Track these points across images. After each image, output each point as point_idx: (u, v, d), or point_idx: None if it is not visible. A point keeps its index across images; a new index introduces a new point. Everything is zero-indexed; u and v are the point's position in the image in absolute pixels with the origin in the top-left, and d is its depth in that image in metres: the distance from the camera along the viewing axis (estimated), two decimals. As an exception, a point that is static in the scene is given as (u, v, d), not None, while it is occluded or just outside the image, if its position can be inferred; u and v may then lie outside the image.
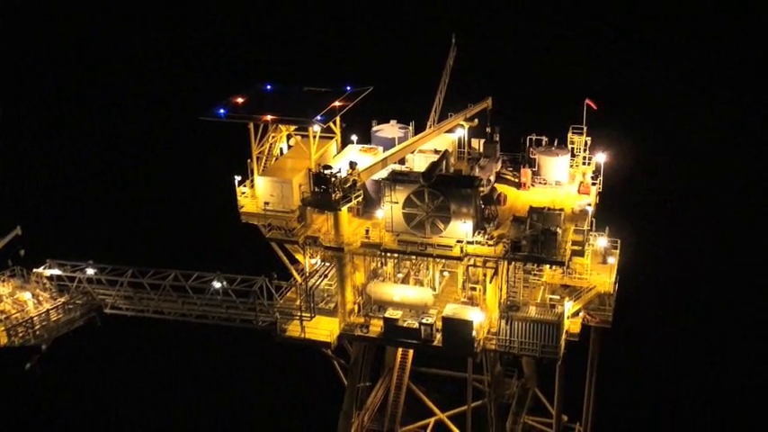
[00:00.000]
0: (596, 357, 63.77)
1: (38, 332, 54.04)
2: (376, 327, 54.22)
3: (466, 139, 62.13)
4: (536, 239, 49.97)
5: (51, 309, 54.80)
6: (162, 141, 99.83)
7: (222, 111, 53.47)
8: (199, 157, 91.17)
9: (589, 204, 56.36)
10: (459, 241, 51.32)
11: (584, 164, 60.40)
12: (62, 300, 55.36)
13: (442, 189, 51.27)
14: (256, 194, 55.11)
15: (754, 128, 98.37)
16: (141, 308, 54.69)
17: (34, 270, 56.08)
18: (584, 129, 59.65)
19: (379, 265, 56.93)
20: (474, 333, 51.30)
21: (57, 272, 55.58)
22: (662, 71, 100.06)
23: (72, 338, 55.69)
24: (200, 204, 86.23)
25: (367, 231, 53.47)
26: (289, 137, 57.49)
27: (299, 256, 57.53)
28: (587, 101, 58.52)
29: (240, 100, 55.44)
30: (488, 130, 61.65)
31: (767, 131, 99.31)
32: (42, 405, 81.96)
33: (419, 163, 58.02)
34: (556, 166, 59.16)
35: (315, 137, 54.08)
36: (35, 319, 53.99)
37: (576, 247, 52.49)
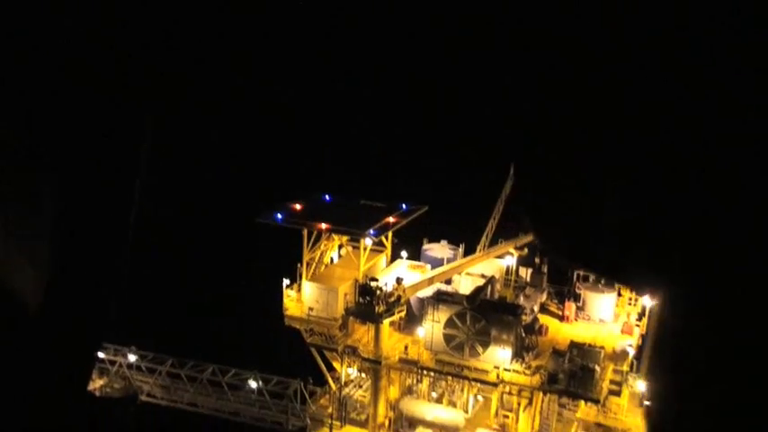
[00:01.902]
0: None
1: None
2: (405, 444, 53.98)
3: (514, 267, 62.76)
4: (573, 374, 49.75)
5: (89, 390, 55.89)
6: (216, 240, 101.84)
7: (279, 216, 55.23)
8: (251, 256, 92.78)
9: (631, 345, 56.05)
10: (496, 367, 51.40)
11: (629, 304, 60.36)
12: (100, 382, 56.44)
13: (485, 313, 51.71)
14: (302, 299, 56.14)
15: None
16: (176, 398, 55.48)
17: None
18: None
19: (414, 381, 57.01)
20: (502, 462, 50.83)
21: (99, 354, 56.78)
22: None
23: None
24: (247, 301, 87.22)
25: (406, 347, 53.89)
26: (340, 246, 58.85)
27: (336, 364, 57.93)
28: None
29: (298, 207, 57.23)
30: (537, 260, 62.25)
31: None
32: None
33: (465, 285, 58.60)
34: (601, 302, 59.10)
35: (365, 249, 55.31)
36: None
37: (613, 387, 52.09)
